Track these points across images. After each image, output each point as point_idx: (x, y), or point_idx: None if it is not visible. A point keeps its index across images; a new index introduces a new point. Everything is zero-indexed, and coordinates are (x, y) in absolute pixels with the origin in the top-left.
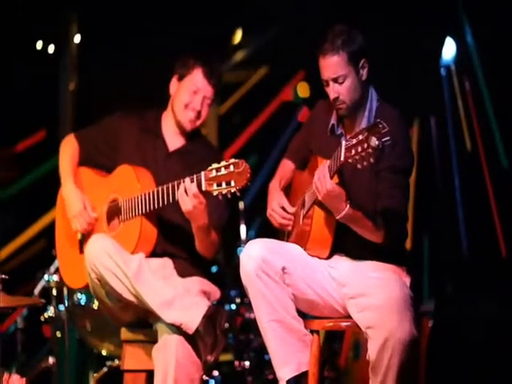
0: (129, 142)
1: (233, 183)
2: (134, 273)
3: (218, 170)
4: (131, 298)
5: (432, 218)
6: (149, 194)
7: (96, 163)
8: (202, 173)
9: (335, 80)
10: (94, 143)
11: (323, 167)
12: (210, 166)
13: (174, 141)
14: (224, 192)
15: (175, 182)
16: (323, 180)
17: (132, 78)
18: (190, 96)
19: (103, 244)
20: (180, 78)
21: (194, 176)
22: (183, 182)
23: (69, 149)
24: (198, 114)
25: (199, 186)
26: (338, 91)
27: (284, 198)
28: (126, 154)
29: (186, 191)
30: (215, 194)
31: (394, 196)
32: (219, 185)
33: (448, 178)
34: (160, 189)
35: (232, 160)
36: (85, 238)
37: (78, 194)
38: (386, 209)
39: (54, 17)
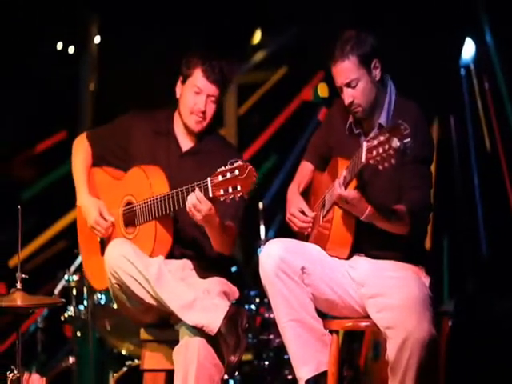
0: (141, 142)
1: (239, 188)
2: (155, 277)
3: (223, 174)
4: (152, 302)
5: (451, 217)
6: (162, 199)
7: (109, 163)
8: (209, 179)
9: (348, 85)
10: (106, 144)
11: (341, 177)
12: (225, 162)
13: (185, 141)
14: (231, 197)
15: (189, 186)
16: (342, 189)
17: (152, 78)
18: (193, 98)
19: (123, 249)
20: (183, 81)
21: (201, 183)
22: (192, 190)
23: (81, 151)
24: (203, 114)
25: (206, 192)
26: (353, 95)
27: (303, 202)
28: (138, 155)
29: (193, 205)
30: (222, 199)
31: (418, 186)
32: (226, 190)
33: (467, 178)
34: (173, 193)
35: (236, 164)
36: (105, 240)
37: (93, 203)
38: (411, 199)
39: (74, 18)
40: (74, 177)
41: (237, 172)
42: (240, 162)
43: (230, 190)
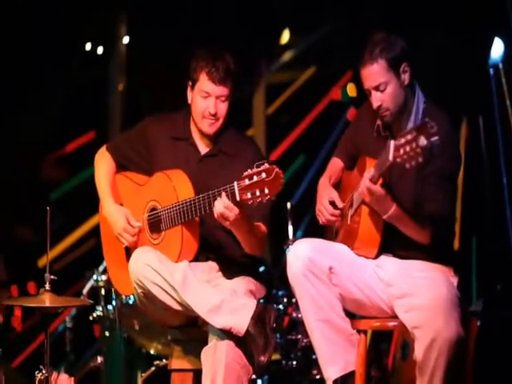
0: (161, 149)
1: (266, 190)
2: (180, 283)
3: (250, 178)
4: (179, 308)
5: (480, 217)
6: (188, 204)
7: (132, 171)
8: (235, 183)
9: (377, 88)
10: (126, 153)
11: (369, 171)
12: (245, 162)
13: (203, 145)
14: (258, 200)
15: (215, 191)
16: (370, 183)
17: (180, 78)
18: (203, 103)
19: (146, 258)
20: (192, 86)
21: (228, 187)
22: (219, 195)
23: (103, 163)
24: (215, 116)
25: (233, 196)
26: (381, 99)
27: (335, 192)
28: (159, 161)
29: (221, 213)
30: (250, 202)
31: (438, 200)
32: (253, 193)
33: (496, 178)
34: (199, 198)
35: (263, 166)
36: (130, 246)
37: (119, 211)
38: (430, 212)
39: (103, 18)
40: (98, 188)
41: (264, 175)
42: (266, 165)
43: (258, 193)
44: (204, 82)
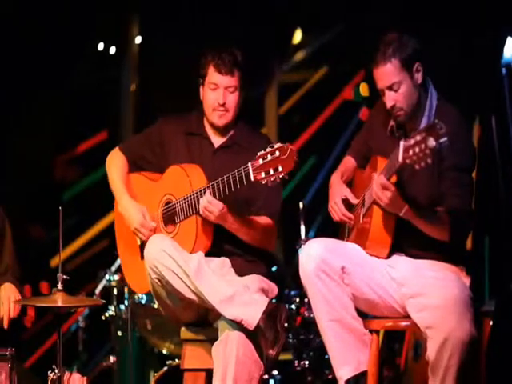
0: (175, 145)
1: (280, 168)
2: (195, 271)
3: (264, 157)
4: (192, 297)
5: (493, 217)
6: (201, 192)
7: (144, 169)
8: (250, 163)
9: (390, 88)
10: (140, 153)
11: (380, 173)
12: (257, 152)
13: (216, 139)
14: (272, 179)
15: (229, 175)
16: (382, 187)
17: (192, 78)
18: (212, 96)
19: (162, 244)
20: (202, 83)
21: (242, 168)
22: (233, 179)
23: (116, 162)
24: (224, 106)
25: (247, 177)
26: (395, 98)
27: (347, 189)
28: (174, 157)
29: (205, 207)
30: (264, 182)
31: (457, 194)
32: (267, 173)
33: (509, 177)
34: (213, 184)
35: (277, 145)
36: (144, 243)
37: (135, 206)
38: (450, 208)
39: (115, 18)
40: (112, 186)
41: (277, 153)
42: (280, 144)
43: (272, 171)
44: (212, 75)
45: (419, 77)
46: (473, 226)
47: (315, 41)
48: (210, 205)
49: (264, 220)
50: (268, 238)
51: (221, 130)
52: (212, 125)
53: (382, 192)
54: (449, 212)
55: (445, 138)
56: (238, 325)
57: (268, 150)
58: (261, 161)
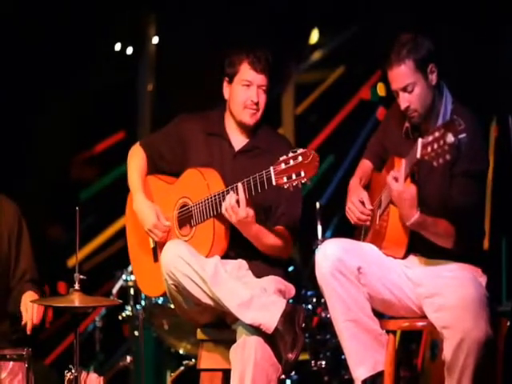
0: (195, 145)
1: (303, 174)
2: (211, 276)
3: (286, 162)
4: (209, 302)
5: (510, 217)
6: (218, 195)
7: (163, 170)
8: (272, 168)
9: (404, 89)
10: (160, 151)
11: (398, 168)
12: (278, 156)
13: (238, 141)
14: (294, 184)
15: (250, 178)
16: (397, 179)
17: (210, 78)
18: (244, 92)
19: (178, 250)
20: (230, 80)
21: (264, 172)
22: (253, 182)
23: (137, 159)
24: (257, 105)
25: (269, 181)
26: (409, 100)
27: (365, 193)
28: (193, 158)
29: (231, 206)
30: (286, 186)
31: (465, 201)
32: (289, 177)
33: None
34: (233, 187)
35: (299, 150)
36: (158, 245)
37: (150, 206)
38: (456, 214)
39: (132, 19)
40: (130, 181)
41: (300, 158)
42: (302, 149)
43: (294, 176)
44: (246, 72)
45: (434, 78)
46: (481, 232)
47: (332, 41)
48: (237, 206)
49: (282, 231)
50: (283, 249)
51: (247, 130)
52: (240, 123)
53: (392, 183)
54: (454, 218)
55: (464, 134)
56: (255, 329)
57: (290, 155)
58: (283, 165)
